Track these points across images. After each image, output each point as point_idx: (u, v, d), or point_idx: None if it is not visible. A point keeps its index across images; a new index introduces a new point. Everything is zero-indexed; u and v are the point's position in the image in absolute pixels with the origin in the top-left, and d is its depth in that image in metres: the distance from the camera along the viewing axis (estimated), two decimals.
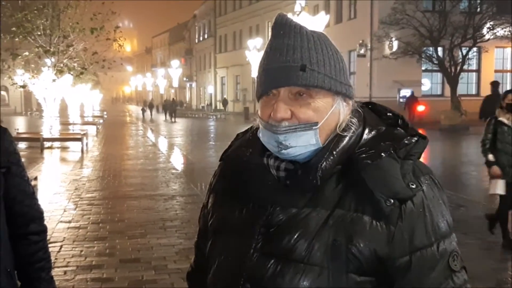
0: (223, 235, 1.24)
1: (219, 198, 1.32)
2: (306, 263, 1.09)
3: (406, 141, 1.14)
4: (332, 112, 1.14)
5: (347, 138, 1.15)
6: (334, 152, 1.13)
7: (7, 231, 1.94)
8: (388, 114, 1.23)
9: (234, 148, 1.33)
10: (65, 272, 5.54)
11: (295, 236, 1.11)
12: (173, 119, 41.35)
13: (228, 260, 1.20)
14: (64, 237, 6.87)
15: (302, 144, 1.12)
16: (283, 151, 1.13)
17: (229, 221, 1.23)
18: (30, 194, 2.05)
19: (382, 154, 1.10)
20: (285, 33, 1.13)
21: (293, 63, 1.10)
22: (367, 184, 1.09)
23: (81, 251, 6.30)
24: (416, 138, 1.16)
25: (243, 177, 1.25)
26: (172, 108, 42.95)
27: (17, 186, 1.98)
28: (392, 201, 1.08)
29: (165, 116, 44.07)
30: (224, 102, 54.98)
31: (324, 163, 1.12)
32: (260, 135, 1.17)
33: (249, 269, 1.15)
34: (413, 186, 1.10)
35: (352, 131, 1.16)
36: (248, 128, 1.33)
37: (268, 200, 1.18)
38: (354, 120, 1.17)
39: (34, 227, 2.05)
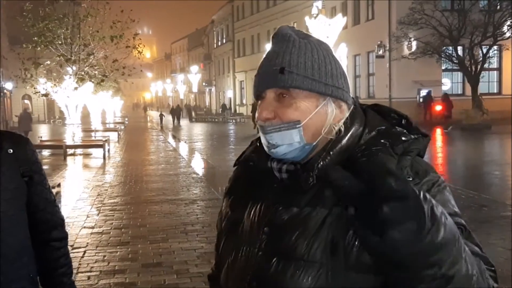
0: (234, 236, 1.31)
1: (232, 201, 1.38)
2: (306, 260, 1.14)
3: (403, 138, 1.17)
4: (318, 112, 1.18)
5: (345, 139, 1.20)
6: (331, 152, 1.18)
7: (30, 238, 2.00)
8: (392, 115, 1.26)
9: (246, 154, 1.40)
10: (88, 277, 5.63)
11: (296, 235, 1.16)
12: (178, 123, 43.43)
13: (236, 259, 1.27)
14: (88, 243, 6.97)
15: (287, 143, 1.18)
16: (272, 150, 1.20)
17: (239, 223, 1.31)
18: (51, 201, 2.10)
19: (379, 151, 1.14)
20: (276, 42, 1.23)
21: (274, 67, 1.19)
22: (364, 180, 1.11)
23: (104, 256, 6.40)
24: (415, 136, 1.19)
25: (253, 181, 1.32)
26: (177, 112, 45.13)
27: (39, 194, 2.03)
28: None
29: (173, 120, 45.32)
30: (223, 107, 55.57)
31: (321, 162, 1.18)
32: (261, 138, 1.26)
33: (254, 268, 1.21)
34: (410, 179, 1.13)
35: (350, 132, 1.20)
36: None
37: (272, 201, 1.24)
38: (342, 126, 1.20)
39: (56, 234, 2.10)
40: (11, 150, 1.93)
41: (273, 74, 1.18)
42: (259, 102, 1.23)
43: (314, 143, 1.20)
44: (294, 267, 1.14)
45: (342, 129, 1.21)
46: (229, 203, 1.40)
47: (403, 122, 1.23)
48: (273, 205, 1.23)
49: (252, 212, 1.28)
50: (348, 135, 1.20)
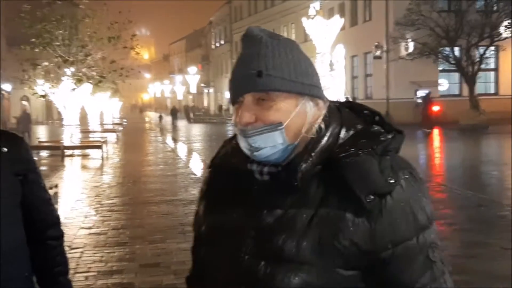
0: (217, 241, 1.28)
1: (211, 205, 1.36)
2: (295, 262, 1.14)
3: (382, 138, 1.18)
4: (298, 112, 1.18)
5: (325, 139, 1.20)
6: (313, 154, 1.18)
7: (25, 237, 1.99)
8: (365, 112, 1.27)
9: (221, 155, 1.39)
10: (86, 278, 5.62)
11: (283, 237, 1.16)
12: (175, 123, 45.16)
13: (222, 265, 1.24)
14: (85, 243, 6.97)
15: (270, 145, 1.17)
16: (255, 153, 1.19)
17: (221, 227, 1.28)
18: (47, 200, 2.09)
19: (360, 151, 1.15)
20: (247, 44, 1.23)
21: (251, 71, 1.17)
22: (347, 182, 1.13)
23: (102, 256, 6.39)
24: (392, 134, 1.20)
25: (231, 183, 1.30)
26: (174, 113, 46.90)
27: (34, 192, 2.01)
28: (372, 197, 1.12)
29: (172, 121, 46.66)
30: (220, 108, 55.96)
31: (304, 164, 1.17)
32: (239, 141, 1.23)
33: (242, 273, 1.19)
34: (392, 181, 1.13)
35: (329, 131, 1.21)
36: (234, 135, 1.37)
37: (255, 203, 1.23)
38: (322, 124, 1.21)
39: (51, 233, 2.09)
40: (5, 149, 1.91)
41: (250, 78, 1.17)
42: (236, 106, 1.22)
43: (296, 143, 1.20)
44: (284, 270, 1.14)
45: (323, 126, 1.21)
46: (207, 206, 1.37)
47: (376, 118, 1.24)
48: (256, 208, 1.22)
49: (234, 216, 1.26)
50: (328, 134, 1.21)
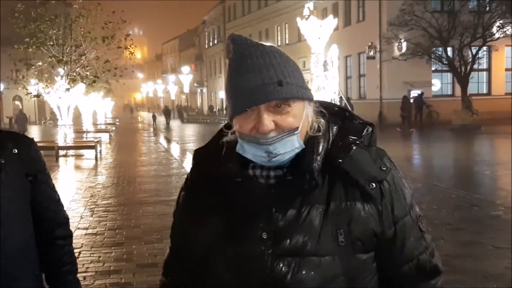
0: (226, 251, 1.29)
1: (206, 216, 1.35)
2: (318, 255, 1.22)
3: (365, 132, 1.30)
4: (305, 115, 1.26)
5: (322, 138, 1.28)
6: (319, 152, 1.27)
7: (34, 236, 2.03)
8: (336, 108, 1.36)
9: (205, 164, 1.39)
10: (84, 278, 5.64)
11: (303, 235, 1.23)
12: (167, 123, 46.56)
13: (243, 274, 1.27)
14: (82, 244, 6.99)
15: (289, 149, 1.23)
16: (274, 159, 1.23)
17: (227, 237, 1.30)
18: (56, 200, 2.13)
19: (353, 146, 1.27)
20: (250, 53, 1.24)
21: (270, 80, 1.20)
22: (350, 174, 1.24)
23: (99, 257, 6.42)
24: (370, 128, 1.32)
25: (228, 191, 1.32)
26: (167, 113, 48.78)
27: (43, 192, 2.05)
28: (374, 184, 1.26)
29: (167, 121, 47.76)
30: (211, 108, 56.21)
31: (316, 165, 1.25)
32: (240, 150, 1.26)
33: (268, 276, 1.23)
34: (384, 168, 1.28)
35: (323, 129, 1.29)
36: (208, 144, 1.41)
37: (264, 207, 1.26)
38: (322, 120, 1.30)
39: (60, 232, 2.13)
40: (16, 150, 1.95)
41: (270, 87, 1.19)
42: (242, 116, 1.22)
43: (308, 147, 1.26)
44: (309, 264, 1.22)
45: (321, 124, 1.29)
46: (201, 219, 1.35)
47: (346, 114, 1.34)
48: (265, 212, 1.25)
49: (241, 223, 1.27)
50: (322, 132, 1.29)
